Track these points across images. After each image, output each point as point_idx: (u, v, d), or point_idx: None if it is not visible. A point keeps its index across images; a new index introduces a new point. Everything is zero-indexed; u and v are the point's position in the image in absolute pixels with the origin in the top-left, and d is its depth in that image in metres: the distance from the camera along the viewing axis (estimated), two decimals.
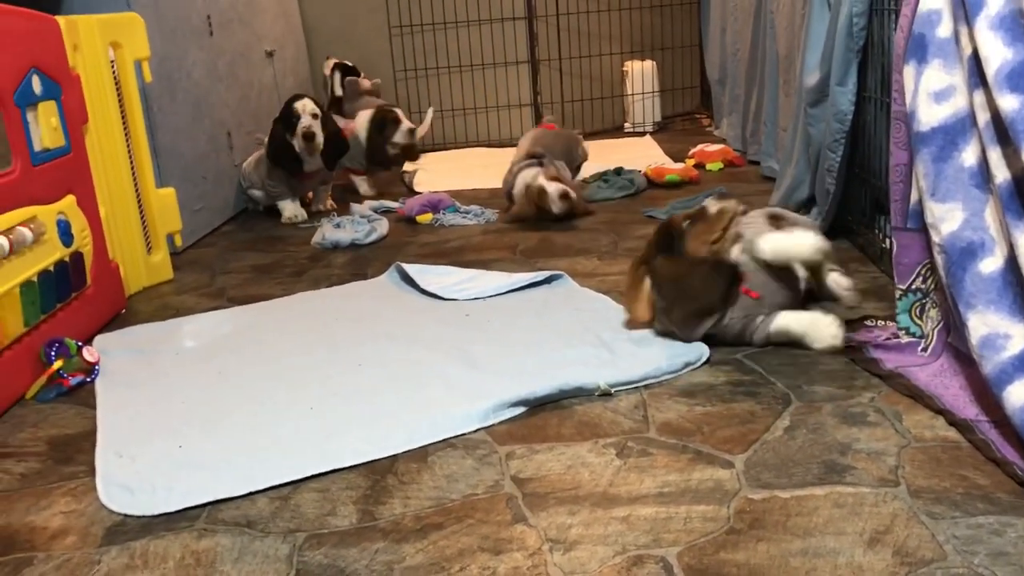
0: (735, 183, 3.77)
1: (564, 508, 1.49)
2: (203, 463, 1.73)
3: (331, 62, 5.10)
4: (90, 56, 2.68)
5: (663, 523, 1.43)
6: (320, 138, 3.70)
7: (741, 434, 1.70)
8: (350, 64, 5.11)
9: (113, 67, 2.81)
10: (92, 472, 1.74)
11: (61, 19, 2.51)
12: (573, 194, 3.36)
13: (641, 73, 5.36)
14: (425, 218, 3.56)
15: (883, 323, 2.12)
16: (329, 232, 3.33)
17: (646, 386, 1.93)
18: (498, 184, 4.17)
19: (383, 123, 4.11)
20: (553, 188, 3.33)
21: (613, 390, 1.91)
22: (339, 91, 5.05)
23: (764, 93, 3.92)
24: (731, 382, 1.92)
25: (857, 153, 2.69)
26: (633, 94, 5.39)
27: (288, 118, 3.71)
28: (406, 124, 4.13)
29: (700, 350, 2.06)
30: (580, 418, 1.81)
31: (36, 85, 2.31)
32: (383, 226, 3.43)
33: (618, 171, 3.93)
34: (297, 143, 3.68)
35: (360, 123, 4.16)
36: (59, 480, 1.73)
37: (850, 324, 2.15)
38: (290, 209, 3.79)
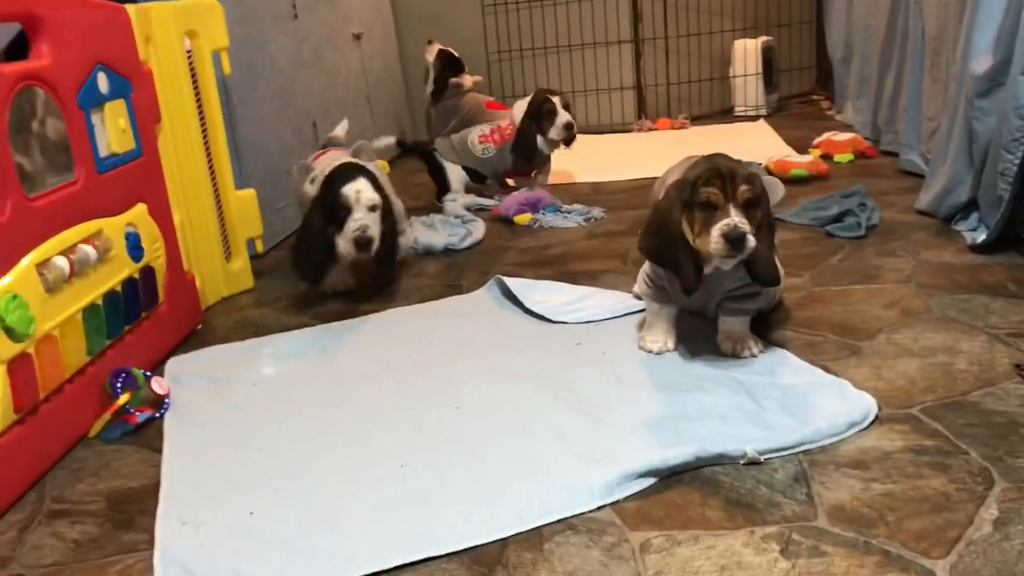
0: (869, 178, 3.35)
1: None
2: (276, 538, 1.47)
3: (434, 48, 4.49)
4: (164, 48, 2.44)
5: None
6: (376, 243, 2.44)
7: (938, 528, 1.35)
8: (455, 54, 4.50)
9: (189, 59, 2.58)
10: (152, 543, 1.50)
11: (131, 7, 2.27)
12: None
13: (755, 52, 4.93)
14: (523, 219, 3.26)
15: None
16: (422, 235, 3.05)
17: (804, 451, 1.59)
18: (601, 177, 3.85)
19: (539, 112, 3.54)
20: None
21: (763, 458, 1.58)
22: (430, 87, 4.52)
23: (904, 76, 3.48)
24: (911, 448, 1.57)
25: None
26: (746, 75, 4.96)
27: (334, 207, 2.42)
28: (563, 117, 3.52)
29: (867, 407, 1.70)
30: (727, 494, 1.49)
31: (102, 83, 2.08)
32: (479, 228, 3.14)
33: None
34: (344, 246, 2.42)
35: (517, 112, 3.63)
36: (116, 552, 1.49)
37: None
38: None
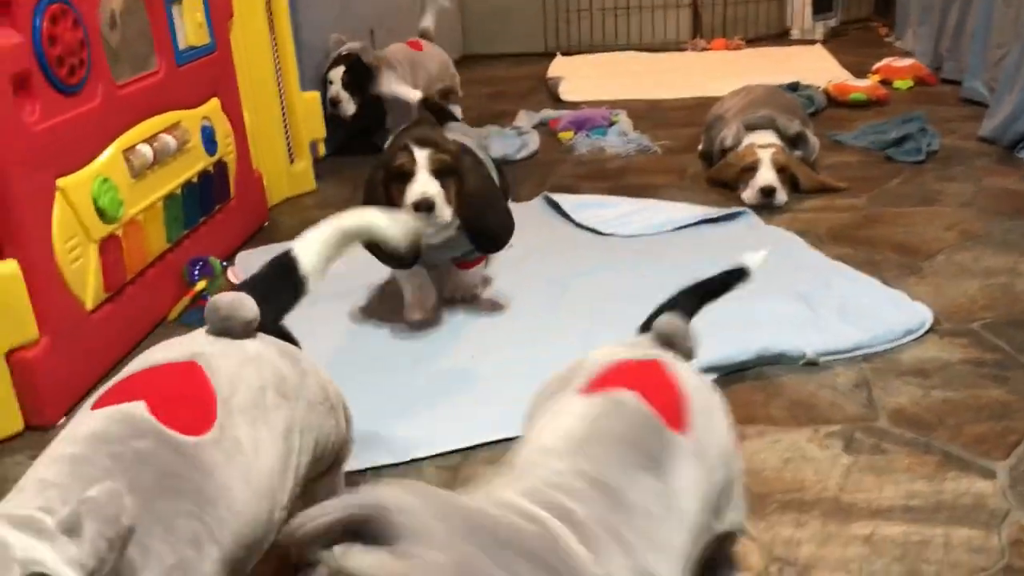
0: (929, 105, 3.31)
1: (789, 517, 1.24)
2: (359, 421, 1.55)
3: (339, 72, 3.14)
4: None
5: (917, 549, 1.17)
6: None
7: (997, 433, 1.40)
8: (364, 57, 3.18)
9: None
10: None
11: None
12: (781, 197, 2.42)
13: None
14: (566, 136, 3.25)
15: None
16: None
17: (865, 359, 1.64)
18: (657, 95, 3.84)
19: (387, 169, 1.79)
20: (764, 178, 2.42)
21: (821, 359, 1.63)
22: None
23: (972, 2, 3.41)
24: (970, 360, 1.61)
25: None
26: None
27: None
28: (419, 184, 1.73)
29: (923, 315, 1.75)
30: (791, 396, 1.54)
31: None
32: (534, 140, 3.15)
33: (793, 87, 3.53)
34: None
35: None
36: None
37: None
38: None
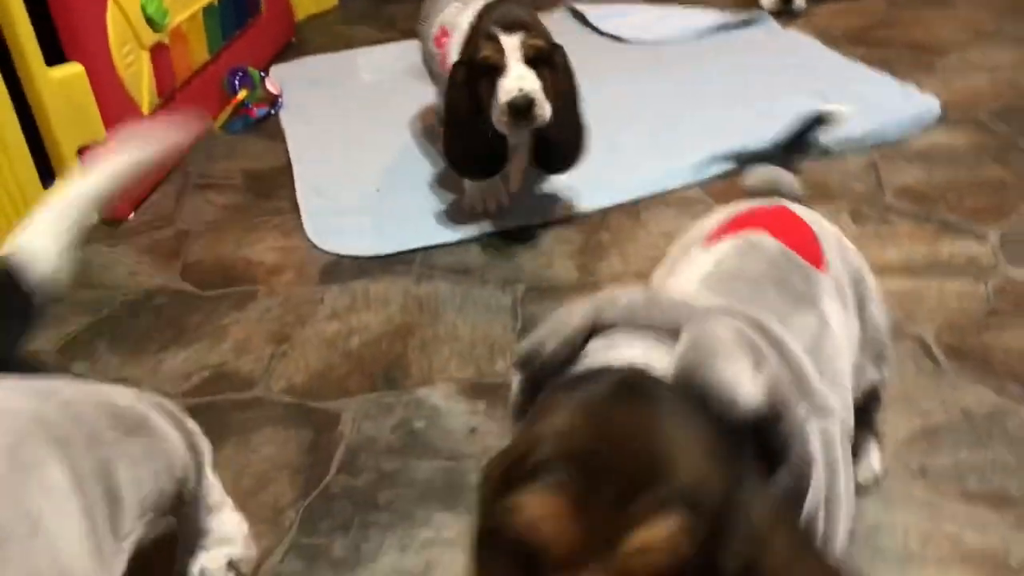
0: None
1: None
2: (407, 208, 1.69)
3: None
4: None
5: (913, 298, 1.32)
6: None
7: (994, 204, 1.53)
8: None
9: None
10: (295, 209, 1.72)
11: None
12: (800, 3, 2.48)
13: None
14: None
15: None
16: None
17: (875, 147, 1.75)
18: None
19: (472, 66, 1.47)
20: None
21: (834, 147, 1.75)
22: None
23: None
24: (975, 145, 1.73)
25: None
26: None
27: None
28: (513, 79, 1.41)
29: (931, 104, 1.86)
30: (806, 178, 1.64)
31: None
32: None
33: None
34: None
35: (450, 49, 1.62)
36: (263, 214, 1.72)
37: None
38: None
